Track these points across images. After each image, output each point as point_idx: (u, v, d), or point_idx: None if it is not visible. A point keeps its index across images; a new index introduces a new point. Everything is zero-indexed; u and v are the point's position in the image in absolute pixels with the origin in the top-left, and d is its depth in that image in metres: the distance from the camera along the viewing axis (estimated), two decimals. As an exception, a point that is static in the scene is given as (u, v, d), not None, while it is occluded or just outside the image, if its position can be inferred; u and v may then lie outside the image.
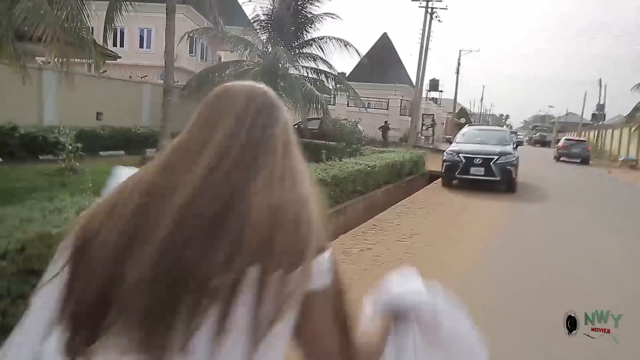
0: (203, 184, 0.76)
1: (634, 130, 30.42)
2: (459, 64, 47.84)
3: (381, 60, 39.75)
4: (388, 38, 44.72)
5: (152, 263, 0.72)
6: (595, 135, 45.83)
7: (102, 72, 17.27)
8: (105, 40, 15.76)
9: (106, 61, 23.55)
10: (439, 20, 29.07)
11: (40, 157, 10.95)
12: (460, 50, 49.45)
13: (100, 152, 12.94)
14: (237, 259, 0.72)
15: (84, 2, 8.33)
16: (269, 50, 17.99)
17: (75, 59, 8.32)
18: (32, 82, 11.15)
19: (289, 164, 0.83)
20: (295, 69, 18.25)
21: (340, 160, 9.93)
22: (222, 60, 26.72)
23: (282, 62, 17.36)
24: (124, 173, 0.96)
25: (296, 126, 15.82)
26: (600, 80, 50.56)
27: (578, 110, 67.25)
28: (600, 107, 49.73)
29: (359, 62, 31.20)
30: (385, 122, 28.99)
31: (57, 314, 0.77)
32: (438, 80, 55.57)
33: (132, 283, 0.72)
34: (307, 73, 19.07)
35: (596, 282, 5.30)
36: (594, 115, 53.85)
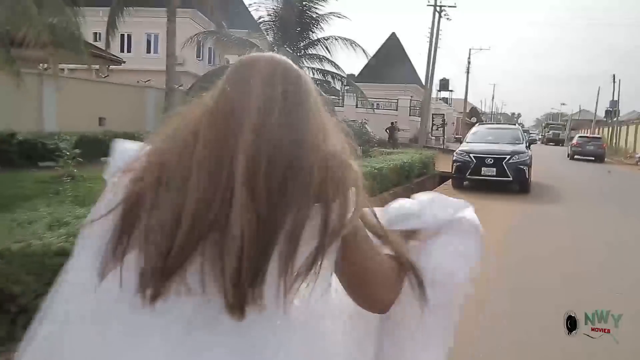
0: (261, 138, 0.82)
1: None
2: (469, 62, 47.33)
3: (390, 60, 39.45)
4: (397, 38, 44.40)
5: (244, 212, 0.79)
6: (610, 132, 44.97)
7: (105, 76, 17.19)
8: (108, 45, 15.66)
9: (111, 66, 23.55)
10: (447, 19, 28.61)
11: (40, 164, 10.73)
12: (470, 49, 48.84)
13: (102, 158, 12.71)
14: (307, 200, 0.82)
15: (77, 4, 8.10)
16: (273, 52, 17.71)
17: (71, 64, 8.11)
18: (32, 88, 10.99)
19: (322, 121, 0.90)
20: (301, 70, 17.96)
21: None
22: (230, 63, 26.52)
23: (287, 63, 17.07)
24: (128, 146, 0.98)
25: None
26: (614, 76, 49.68)
27: (591, 107, 66.27)
28: (614, 103, 48.81)
29: (368, 62, 30.90)
30: (392, 122, 28.33)
31: (118, 257, 0.83)
32: (448, 80, 55.11)
33: (228, 232, 0.79)
34: (314, 74, 18.76)
35: (626, 290, 4.90)
36: (607, 111, 52.86)
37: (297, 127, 0.86)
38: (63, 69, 22.01)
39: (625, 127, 40.51)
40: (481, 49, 57.37)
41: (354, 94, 20.89)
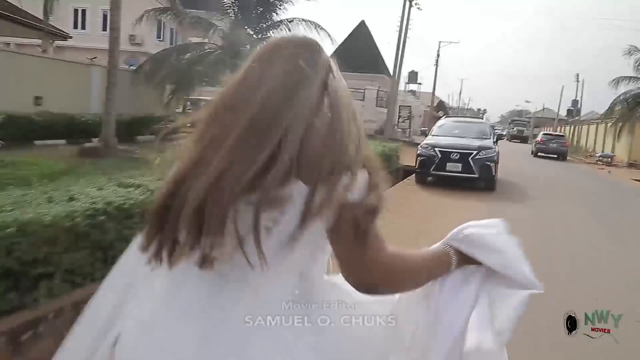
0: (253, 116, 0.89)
1: (610, 126, 30.06)
2: (438, 55, 46.99)
3: (358, 49, 38.73)
4: (366, 26, 43.69)
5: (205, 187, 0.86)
6: (571, 130, 45.68)
7: (43, 50, 15.77)
8: (46, 15, 14.23)
9: (61, 43, 21.79)
10: (418, 8, 27.98)
11: (-44, 146, 9.54)
12: (439, 42, 48.60)
13: (35, 142, 11.51)
14: (285, 176, 0.85)
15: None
16: (233, 33, 16.69)
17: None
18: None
19: (330, 99, 0.96)
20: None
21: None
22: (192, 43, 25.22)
23: (246, 44, 16.05)
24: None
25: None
26: (577, 75, 50.44)
27: (554, 106, 67.51)
28: (575, 102, 49.73)
29: (336, 50, 30.00)
30: None
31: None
32: (417, 73, 54.88)
33: (191, 199, 0.87)
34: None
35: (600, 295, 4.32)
36: (569, 110, 53.96)
37: (287, 106, 0.90)
38: (9, 43, 20.30)
39: (586, 126, 41.14)
40: (451, 42, 57.12)
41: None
